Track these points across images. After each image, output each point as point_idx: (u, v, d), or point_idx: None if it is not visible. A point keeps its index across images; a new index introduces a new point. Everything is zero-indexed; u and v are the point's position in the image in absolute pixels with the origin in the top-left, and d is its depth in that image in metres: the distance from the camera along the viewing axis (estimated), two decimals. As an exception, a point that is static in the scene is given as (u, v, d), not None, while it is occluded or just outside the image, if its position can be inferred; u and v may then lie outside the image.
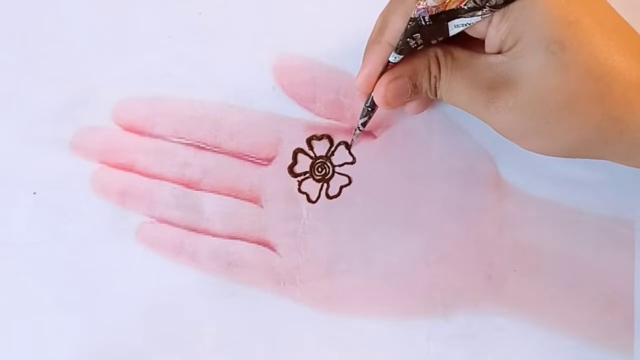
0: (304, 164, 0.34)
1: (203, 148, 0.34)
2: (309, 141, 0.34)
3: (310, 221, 0.33)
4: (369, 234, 0.33)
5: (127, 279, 0.33)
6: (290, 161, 0.34)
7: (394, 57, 0.28)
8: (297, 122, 0.34)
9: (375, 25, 0.29)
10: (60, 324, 0.33)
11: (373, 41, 0.29)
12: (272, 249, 0.33)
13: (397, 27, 0.28)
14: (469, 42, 0.28)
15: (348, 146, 0.33)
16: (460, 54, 0.28)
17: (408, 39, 0.27)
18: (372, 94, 0.30)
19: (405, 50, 0.28)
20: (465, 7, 0.25)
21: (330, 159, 0.34)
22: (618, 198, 0.33)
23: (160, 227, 0.33)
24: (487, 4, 0.25)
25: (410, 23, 0.26)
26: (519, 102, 0.26)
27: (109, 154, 0.34)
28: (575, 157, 0.28)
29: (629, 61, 0.25)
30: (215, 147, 0.34)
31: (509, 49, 0.26)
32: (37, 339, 0.33)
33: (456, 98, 0.28)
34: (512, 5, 0.25)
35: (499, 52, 0.27)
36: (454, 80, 0.28)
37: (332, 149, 0.34)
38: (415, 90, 0.29)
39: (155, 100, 0.34)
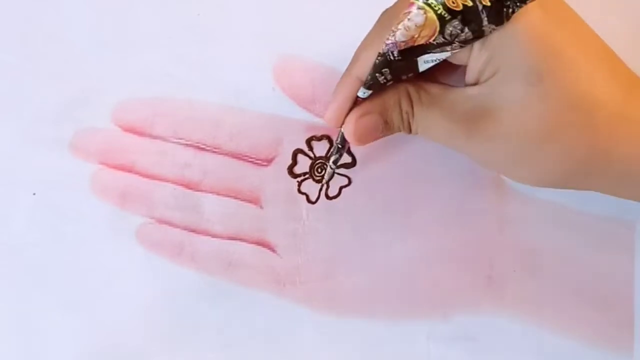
0: (303, 164, 0.34)
1: (203, 149, 0.34)
2: (308, 142, 0.34)
3: (310, 222, 0.33)
4: (369, 234, 0.33)
5: (127, 280, 0.33)
6: (290, 162, 0.34)
7: (362, 92, 0.27)
8: (296, 122, 0.34)
9: (353, 56, 0.29)
10: (60, 324, 0.33)
11: (344, 75, 0.28)
12: (272, 249, 0.33)
13: (368, 62, 0.27)
14: (442, 75, 0.28)
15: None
16: (435, 89, 0.28)
17: (377, 74, 0.26)
18: (342, 129, 0.29)
19: (374, 85, 0.27)
20: (435, 43, 0.25)
21: (330, 160, 0.34)
22: (618, 199, 0.33)
23: (160, 228, 0.33)
24: (457, 40, 0.25)
25: (379, 58, 0.26)
26: (500, 134, 0.26)
27: (108, 154, 0.34)
28: (560, 188, 0.28)
29: (611, 91, 0.25)
30: (215, 148, 0.34)
31: (487, 80, 0.26)
32: (37, 339, 0.33)
33: (434, 133, 0.28)
34: (491, 36, 0.25)
35: (477, 83, 0.26)
36: (430, 115, 0.27)
37: (332, 149, 0.33)
38: (386, 126, 0.28)
39: (155, 101, 0.34)
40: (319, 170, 0.34)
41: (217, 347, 0.33)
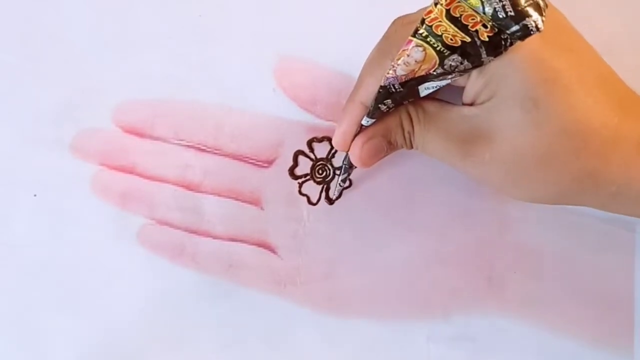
0: (304, 166, 0.34)
1: (204, 150, 0.34)
2: (309, 143, 0.34)
3: (310, 223, 0.33)
4: (369, 235, 0.33)
5: (128, 281, 0.33)
6: (290, 163, 0.34)
7: (366, 121, 0.28)
8: (297, 124, 0.34)
9: (356, 81, 0.29)
10: (61, 325, 0.33)
11: (349, 100, 0.29)
12: (273, 250, 0.33)
13: (371, 88, 0.27)
14: (441, 92, 0.28)
15: (331, 202, 0.34)
16: (432, 107, 0.28)
17: (379, 105, 0.27)
18: (349, 153, 0.29)
19: (377, 114, 0.28)
20: (435, 73, 0.25)
21: (330, 161, 0.34)
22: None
23: (160, 229, 0.33)
24: (456, 70, 0.25)
25: (380, 91, 0.26)
26: (495, 156, 0.26)
27: (109, 155, 0.34)
28: (554, 204, 0.29)
29: (606, 116, 0.25)
30: (216, 149, 0.34)
31: (483, 102, 0.26)
32: (38, 340, 0.33)
33: (432, 150, 0.28)
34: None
35: (473, 104, 0.27)
36: (428, 133, 0.28)
37: (333, 151, 0.34)
38: (390, 146, 0.29)
39: (155, 102, 0.34)
40: (320, 171, 0.34)
41: (217, 347, 0.33)
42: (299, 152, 0.34)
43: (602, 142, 0.25)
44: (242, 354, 0.33)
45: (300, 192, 0.34)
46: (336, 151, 0.34)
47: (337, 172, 0.33)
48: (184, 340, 0.33)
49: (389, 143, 0.29)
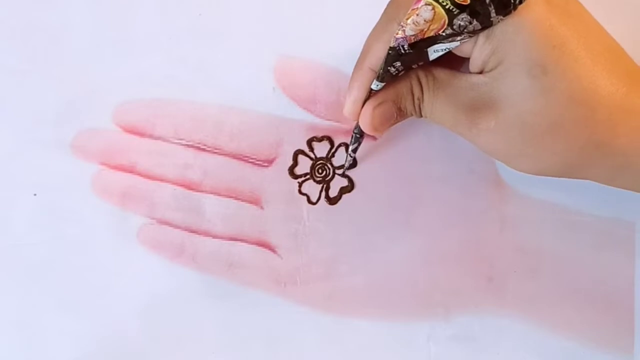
0: (304, 165, 0.34)
1: (203, 149, 0.34)
2: (309, 142, 0.34)
3: (310, 222, 0.33)
4: (370, 235, 0.33)
5: (128, 280, 0.33)
6: (290, 162, 0.34)
7: (376, 85, 0.28)
8: (297, 123, 0.34)
9: (362, 49, 0.29)
10: (61, 325, 0.33)
11: (357, 67, 0.29)
12: (273, 250, 0.33)
13: (379, 54, 0.27)
14: (451, 61, 0.28)
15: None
16: (441, 74, 0.28)
17: (389, 67, 0.27)
18: (359, 120, 0.30)
19: (387, 78, 0.27)
20: (444, 34, 0.25)
21: (330, 161, 0.34)
22: (618, 199, 0.33)
23: (160, 229, 0.33)
24: (465, 30, 0.25)
25: (390, 52, 0.26)
26: (501, 125, 0.26)
27: (109, 155, 0.34)
28: (559, 177, 0.28)
29: (614, 85, 0.25)
30: (216, 149, 0.34)
31: (491, 70, 0.26)
32: (38, 340, 0.33)
33: (440, 118, 0.28)
34: (496, 28, 0.25)
35: (481, 72, 0.27)
36: (436, 100, 0.28)
37: (333, 150, 0.34)
38: (400, 113, 0.29)
39: (155, 101, 0.34)
40: (320, 171, 0.34)
41: (217, 347, 0.33)
42: (298, 152, 0.34)
43: (610, 111, 0.25)
44: (242, 353, 0.33)
45: (300, 192, 0.34)
46: (336, 150, 0.34)
47: (352, 140, 0.32)
48: (183, 339, 0.33)
49: (399, 109, 0.29)
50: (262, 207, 0.34)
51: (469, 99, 0.27)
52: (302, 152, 0.34)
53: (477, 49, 0.26)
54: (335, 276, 0.33)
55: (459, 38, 0.25)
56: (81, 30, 0.34)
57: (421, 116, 0.29)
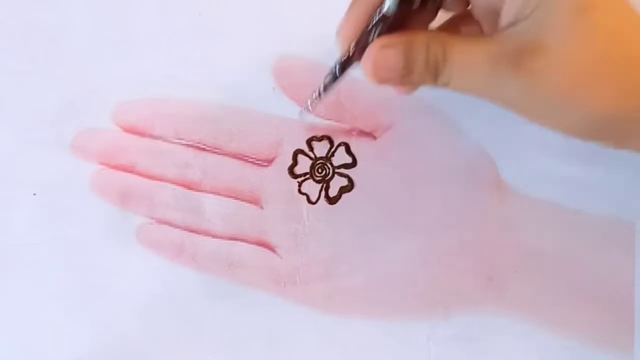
0: (304, 165, 0.34)
1: (203, 149, 0.34)
2: (309, 142, 0.34)
3: (310, 222, 0.33)
4: (369, 234, 0.33)
5: (128, 280, 0.33)
6: (290, 162, 0.34)
7: (391, 5, 0.23)
8: (297, 123, 0.34)
9: None
10: (60, 324, 0.33)
11: None
12: (273, 250, 0.33)
13: None
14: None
15: (308, 109, 0.31)
16: (472, 32, 0.26)
17: None
18: (362, 60, 0.25)
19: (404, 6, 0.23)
20: None
21: (330, 160, 0.34)
22: (618, 199, 0.33)
23: (160, 228, 0.33)
24: None
25: None
26: (547, 66, 0.23)
27: (109, 155, 0.34)
28: (598, 141, 0.25)
29: None
30: (216, 149, 0.34)
31: (530, 14, 0.23)
32: (38, 339, 0.33)
33: (471, 79, 0.24)
34: None
35: (515, 22, 0.24)
36: (469, 58, 0.24)
37: (332, 149, 0.34)
38: (407, 69, 0.25)
39: (155, 101, 0.34)
40: (320, 170, 0.34)
41: (217, 347, 0.33)
42: (298, 151, 0.34)
43: None
44: (242, 353, 0.33)
45: (299, 191, 0.34)
46: (336, 150, 0.34)
47: (329, 72, 0.28)
48: (183, 339, 0.33)
49: (407, 63, 0.24)
50: (261, 207, 0.34)
51: (509, 49, 0.24)
52: (301, 151, 0.34)
53: (508, 1, 0.24)
54: (335, 276, 0.33)
55: None
56: (81, 30, 0.34)
57: (435, 81, 0.25)
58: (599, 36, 0.23)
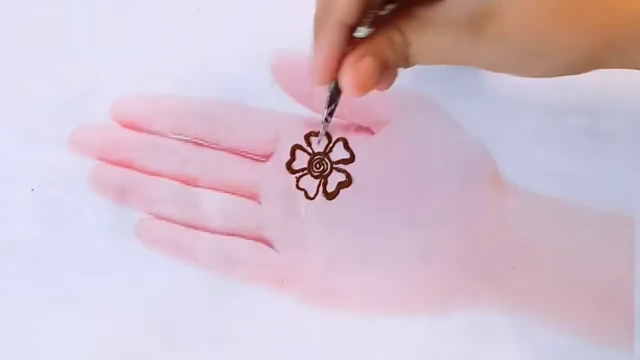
0: (302, 160, 0.34)
1: (201, 145, 0.34)
2: (307, 137, 0.34)
3: (308, 217, 0.33)
4: (368, 230, 0.33)
5: (126, 275, 0.33)
6: (288, 157, 0.34)
7: (364, 32, 0.25)
8: (295, 118, 0.34)
9: (318, 4, 0.25)
10: (58, 321, 0.33)
11: (319, 25, 0.25)
12: (271, 245, 0.33)
13: (346, 1, 0.24)
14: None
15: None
16: (421, 12, 0.25)
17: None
18: (339, 81, 0.26)
19: (375, 20, 0.25)
20: None
21: (328, 156, 0.34)
22: (618, 195, 0.33)
23: (158, 224, 0.33)
24: None
25: None
26: (510, 24, 0.24)
27: (107, 150, 0.34)
28: (578, 72, 0.25)
29: None
30: (214, 144, 0.34)
31: None
32: (35, 336, 0.33)
33: (435, 53, 0.25)
34: None
35: None
36: (426, 36, 0.25)
37: (331, 145, 0.34)
38: (383, 66, 0.25)
39: (153, 97, 0.34)
40: (317, 165, 0.34)
41: (215, 343, 0.33)
42: (296, 147, 0.34)
43: None
44: (239, 348, 0.33)
45: (297, 187, 0.34)
46: (334, 145, 0.34)
47: (327, 103, 0.30)
48: (180, 334, 0.33)
49: (382, 62, 0.25)
50: (259, 202, 0.34)
51: (463, 19, 0.24)
52: (300, 147, 0.34)
53: None
54: (332, 271, 0.33)
55: None
56: (79, 26, 0.35)
57: (406, 65, 0.26)
58: None
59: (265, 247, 0.33)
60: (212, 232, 0.33)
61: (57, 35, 0.35)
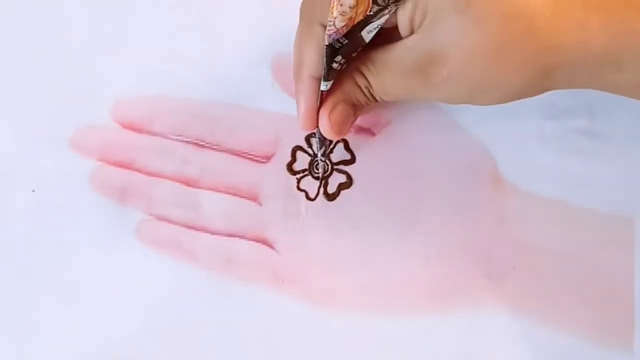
0: (302, 161, 0.34)
1: (202, 146, 0.34)
2: (307, 139, 0.34)
3: (309, 219, 0.33)
4: (368, 231, 0.33)
5: (126, 277, 0.33)
6: (289, 159, 0.34)
7: (324, 86, 0.28)
8: (296, 119, 0.33)
9: (293, 60, 0.29)
10: (59, 322, 0.33)
11: (296, 79, 0.29)
12: (271, 246, 0.33)
13: (313, 59, 0.28)
14: (384, 38, 0.28)
15: (323, 183, 0.34)
16: (377, 54, 0.28)
17: (332, 64, 0.27)
18: (320, 129, 0.30)
19: (332, 75, 0.28)
20: (372, 13, 0.25)
21: (329, 157, 0.34)
22: (618, 195, 0.33)
23: (159, 225, 0.33)
24: (390, 1, 0.25)
25: (327, 50, 0.26)
26: (452, 70, 0.26)
27: (108, 151, 0.34)
28: (527, 97, 0.28)
29: None
30: (214, 145, 0.34)
31: (420, 25, 0.26)
32: (35, 337, 0.33)
33: (394, 92, 0.28)
34: None
35: (412, 32, 0.26)
36: (384, 79, 0.28)
37: (331, 146, 0.34)
38: (356, 108, 0.29)
39: (154, 98, 0.34)
40: (318, 167, 0.34)
41: (215, 343, 0.33)
42: (297, 148, 0.34)
43: (546, 16, 0.25)
44: (240, 350, 0.33)
45: (298, 188, 0.34)
46: (334, 146, 0.34)
47: (319, 145, 0.32)
48: (180, 335, 0.33)
49: (353, 105, 0.29)
50: (260, 204, 0.34)
51: (413, 63, 0.27)
52: (300, 148, 0.34)
53: (400, 12, 0.26)
54: (333, 272, 0.33)
55: (386, 11, 0.26)
56: (79, 26, 0.34)
57: (377, 101, 0.29)
58: (485, 28, 0.25)
59: (266, 248, 0.33)
60: (213, 233, 0.33)
61: (57, 35, 0.34)
